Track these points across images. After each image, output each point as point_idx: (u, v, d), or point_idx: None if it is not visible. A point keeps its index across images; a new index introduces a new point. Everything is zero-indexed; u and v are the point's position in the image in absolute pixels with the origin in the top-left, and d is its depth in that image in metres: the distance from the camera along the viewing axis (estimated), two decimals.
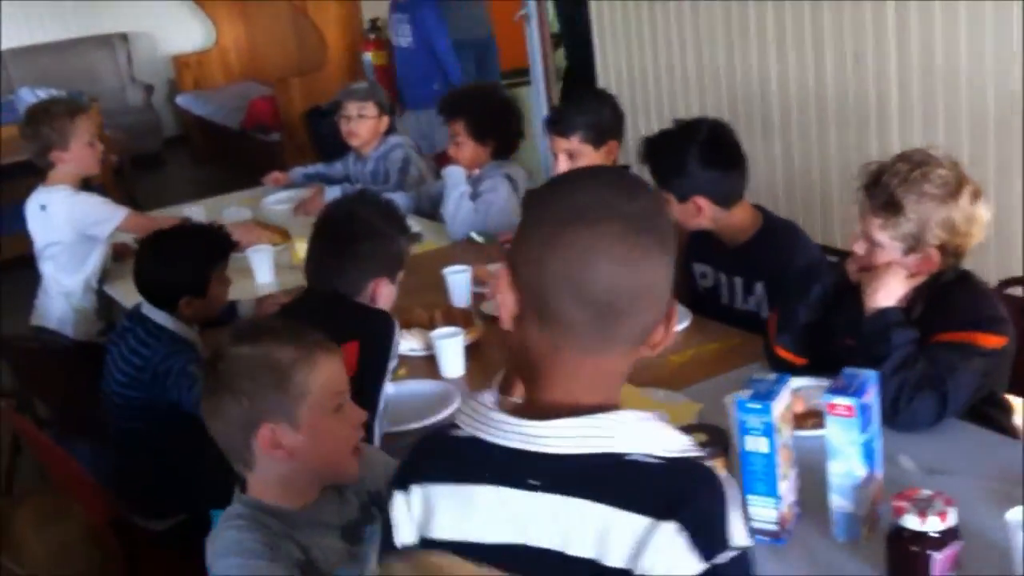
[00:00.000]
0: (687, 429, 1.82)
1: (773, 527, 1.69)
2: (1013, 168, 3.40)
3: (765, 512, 1.68)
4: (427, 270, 3.11)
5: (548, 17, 5.91)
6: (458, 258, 3.27)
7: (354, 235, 2.25)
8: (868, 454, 1.69)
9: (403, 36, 5.56)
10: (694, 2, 4.56)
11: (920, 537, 1.53)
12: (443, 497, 1.18)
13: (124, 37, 8.85)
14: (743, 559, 1.09)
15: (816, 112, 4.12)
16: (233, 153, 8.21)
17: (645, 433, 1.13)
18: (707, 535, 1.07)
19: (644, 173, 3.00)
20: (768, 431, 1.66)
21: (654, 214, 1.15)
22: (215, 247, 2.78)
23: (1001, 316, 2.07)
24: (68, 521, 2.35)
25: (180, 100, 8.91)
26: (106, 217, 3.48)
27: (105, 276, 3.55)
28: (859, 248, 2.12)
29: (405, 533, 1.21)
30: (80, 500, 2.41)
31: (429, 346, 2.58)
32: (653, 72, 4.94)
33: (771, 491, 1.68)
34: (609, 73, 5.26)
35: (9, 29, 8.37)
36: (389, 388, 2.35)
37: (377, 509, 1.71)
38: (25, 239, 3.64)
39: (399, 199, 3.90)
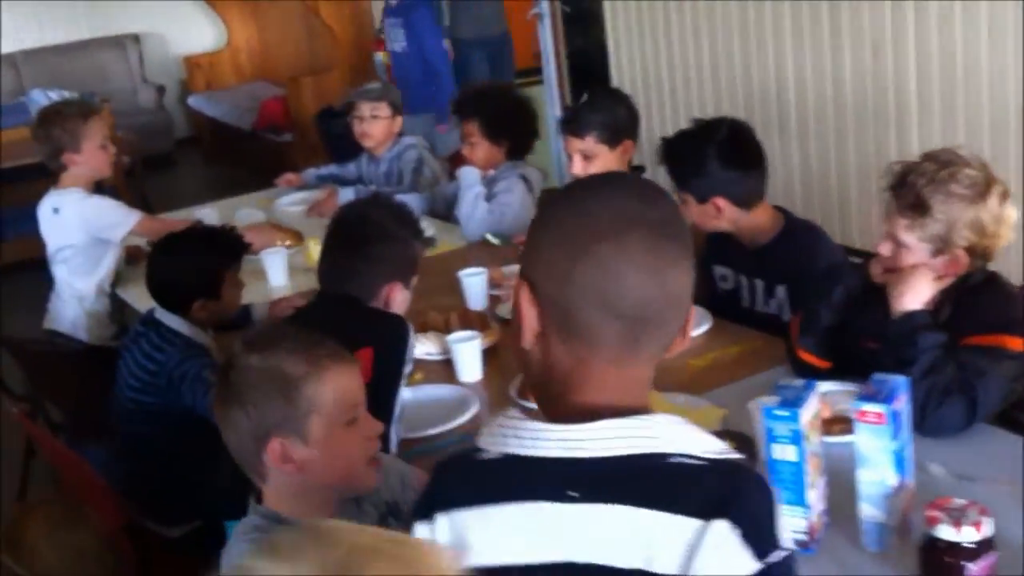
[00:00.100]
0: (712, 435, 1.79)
1: (802, 537, 1.65)
2: None
3: (793, 521, 1.64)
4: (442, 272, 3.08)
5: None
6: (473, 260, 3.24)
7: (367, 239, 2.21)
8: (899, 462, 1.65)
9: (397, 41, 5.50)
10: (708, 0, 4.52)
11: (955, 548, 1.49)
12: (474, 522, 1.14)
13: (136, 38, 8.85)
14: (792, 561, 1.06)
15: (834, 110, 4.08)
16: (245, 154, 8.19)
17: (686, 434, 1.10)
18: (759, 534, 1.04)
19: (660, 174, 2.97)
20: (796, 439, 1.62)
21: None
22: (228, 249, 2.76)
23: None
24: (81, 527, 2.33)
25: (192, 101, 8.90)
26: (119, 220, 3.45)
27: (118, 279, 3.52)
28: (884, 249, 2.08)
29: None
30: (93, 506, 2.39)
31: (445, 350, 2.55)
32: (668, 71, 4.90)
33: (799, 500, 1.64)
34: (623, 72, 5.22)
35: (21, 30, 8.37)
36: (405, 393, 2.32)
37: (394, 520, 1.68)
38: (36, 241, 3.62)
39: (413, 200, 3.88)
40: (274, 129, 7.67)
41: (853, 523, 1.68)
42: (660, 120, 4.93)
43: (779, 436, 1.63)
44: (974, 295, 2.05)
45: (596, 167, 2.93)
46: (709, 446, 1.10)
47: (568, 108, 5.59)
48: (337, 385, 1.56)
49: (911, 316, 1.99)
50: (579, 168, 2.93)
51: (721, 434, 1.80)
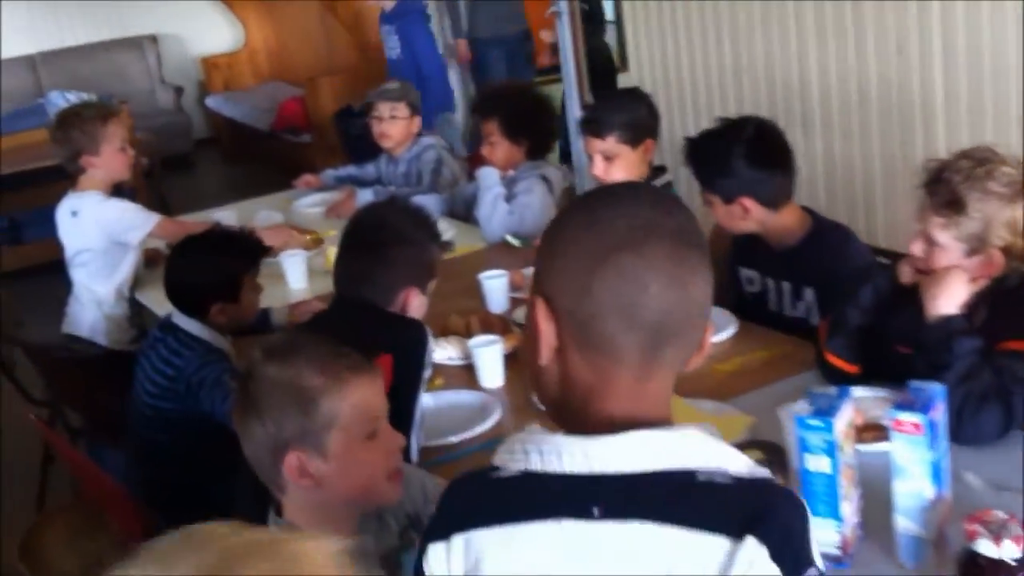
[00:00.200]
0: (741, 445, 1.75)
1: (835, 551, 1.60)
2: None
3: (827, 535, 1.59)
4: (462, 274, 3.04)
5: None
6: (493, 262, 3.20)
7: (383, 243, 2.17)
8: (936, 473, 1.60)
9: (392, 48, 5.45)
10: None
11: (995, 564, 1.43)
12: (493, 542, 1.10)
13: (153, 39, 8.86)
14: None
15: (858, 108, 4.01)
16: (263, 154, 8.19)
17: (713, 449, 1.07)
18: (790, 551, 1.00)
19: (681, 174, 2.92)
20: (830, 450, 1.57)
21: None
22: (247, 251, 2.73)
23: None
24: (101, 535, 2.31)
25: (210, 102, 8.90)
26: (138, 223, 3.43)
27: (137, 283, 3.50)
28: (917, 249, 2.03)
29: None
30: (112, 513, 2.37)
31: (467, 355, 2.51)
32: (688, 69, 4.84)
33: (833, 513, 1.59)
34: (643, 70, 5.17)
35: (39, 32, 8.39)
36: (426, 399, 2.29)
37: (415, 533, 1.64)
38: (55, 244, 3.60)
39: (432, 201, 3.85)
40: (292, 130, 7.65)
41: (888, 536, 1.63)
42: (680, 119, 4.87)
43: (812, 447, 1.58)
44: (1010, 298, 2.00)
45: (617, 167, 2.88)
46: (737, 462, 1.06)
47: (588, 107, 5.56)
48: (357, 398, 1.52)
49: (947, 321, 1.94)
50: (600, 169, 2.89)
51: (750, 443, 1.78)
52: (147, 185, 6.77)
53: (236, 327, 2.73)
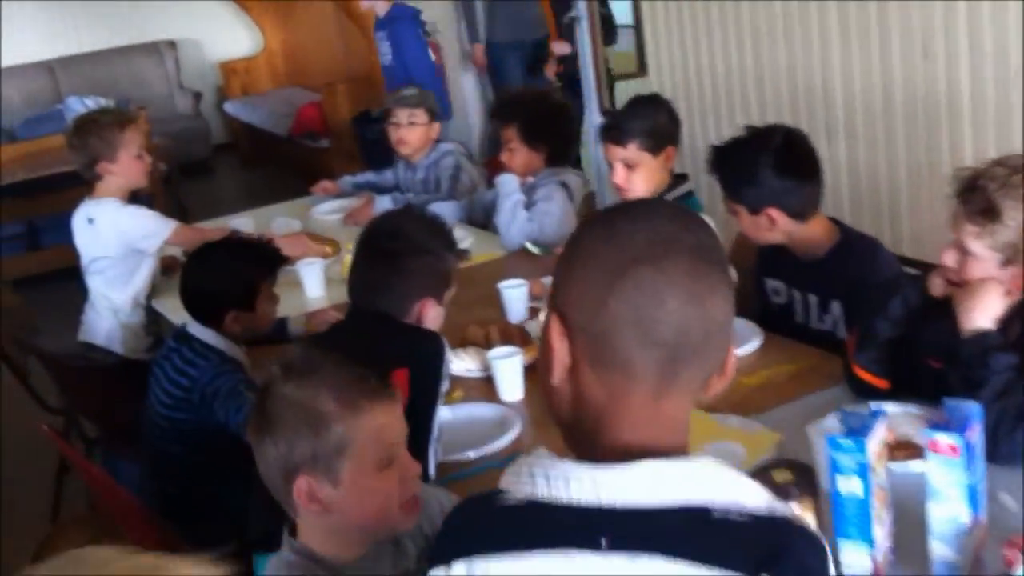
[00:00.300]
0: (769, 465, 1.70)
1: None
2: None
3: (858, 559, 1.54)
4: (481, 282, 3.00)
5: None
6: (513, 270, 3.16)
7: (398, 252, 2.13)
8: (973, 497, 1.55)
9: (384, 54, 5.40)
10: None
11: None
12: (495, 571, 1.05)
13: (172, 44, 8.86)
14: None
15: (883, 113, 3.95)
16: (282, 160, 8.17)
17: (729, 483, 1.02)
18: None
19: (703, 181, 2.85)
20: (863, 471, 1.52)
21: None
22: (264, 259, 2.69)
23: None
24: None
25: (228, 107, 8.90)
26: (155, 231, 3.40)
27: (154, 291, 3.47)
28: (949, 259, 1.97)
29: None
30: (127, 526, 2.34)
31: (486, 366, 2.46)
32: (709, 73, 4.79)
33: (865, 536, 1.54)
34: (662, 75, 5.11)
35: (57, 37, 8.41)
36: (444, 412, 2.24)
37: None
38: (72, 250, 3.57)
39: (450, 208, 3.81)
40: (311, 135, 7.63)
41: (921, 561, 1.58)
42: (701, 125, 4.81)
43: (844, 468, 1.53)
44: None
45: (639, 176, 2.84)
46: (755, 496, 1.02)
47: (608, 113, 5.51)
48: (371, 427, 1.47)
49: (982, 336, 1.88)
50: (621, 177, 2.84)
51: (777, 463, 1.72)
52: (165, 191, 6.76)
53: (251, 336, 2.70)
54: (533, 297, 2.88)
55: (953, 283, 1.98)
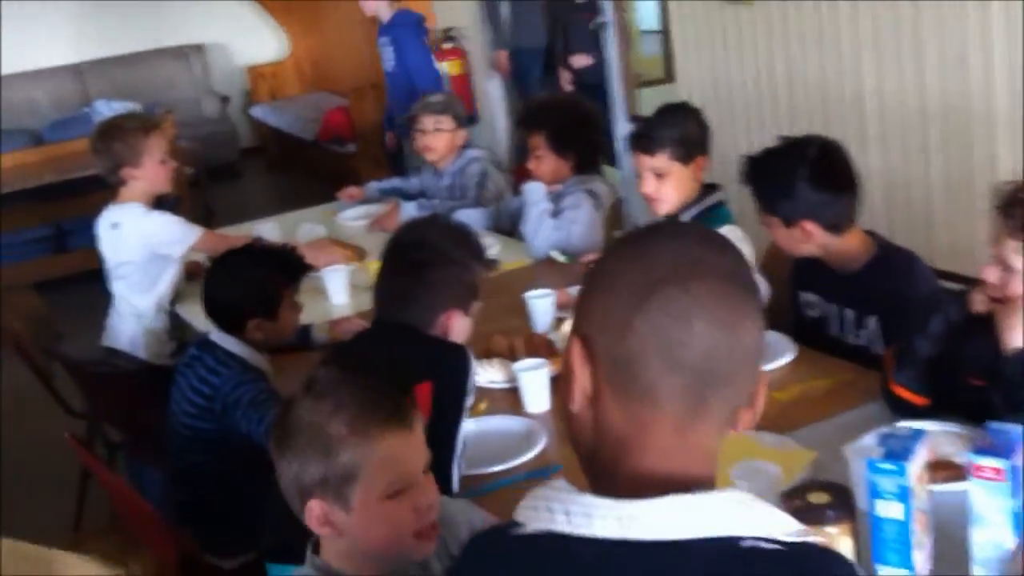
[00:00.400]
0: (804, 487, 1.64)
1: None
2: None
3: None
4: (507, 291, 2.96)
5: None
6: (539, 279, 3.12)
7: (424, 263, 2.08)
8: (1017, 522, 1.49)
9: (387, 60, 5.32)
10: (781, 2, 4.33)
11: None
12: None
13: (200, 48, 8.89)
14: None
15: (917, 122, 3.88)
16: (309, 164, 8.17)
17: (760, 513, 0.97)
18: None
19: (734, 191, 2.79)
20: (904, 496, 1.46)
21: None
22: (287, 267, 2.67)
23: None
24: (136, 559, 2.25)
25: (255, 111, 8.91)
26: (179, 237, 3.38)
27: (178, 296, 3.45)
28: (991, 275, 1.91)
29: None
30: (147, 537, 2.31)
31: (511, 378, 2.42)
32: (739, 79, 4.73)
33: (905, 562, 1.49)
34: (691, 82, 5.06)
35: (86, 40, 8.45)
36: (469, 425, 2.20)
37: None
38: (96, 253, 3.56)
39: (476, 215, 3.78)
40: (338, 140, 7.63)
41: None
42: (731, 133, 4.75)
43: (884, 492, 1.48)
44: None
45: (669, 185, 2.79)
46: (785, 527, 0.97)
47: (636, 119, 5.46)
48: (383, 455, 1.44)
49: None
50: (651, 187, 2.79)
51: (814, 485, 1.67)
52: (192, 195, 6.77)
53: (275, 345, 2.67)
54: (560, 307, 2.84)
55: (995, 300, 1.93)
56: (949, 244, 3.79)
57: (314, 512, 1.44)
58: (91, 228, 3.53)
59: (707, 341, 0.98)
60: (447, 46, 7.10)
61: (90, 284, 4.49)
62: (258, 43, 9.24)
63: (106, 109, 6.61)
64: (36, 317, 3.59)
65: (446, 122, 3.94)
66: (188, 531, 2.47)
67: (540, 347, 2.54)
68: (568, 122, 3.52)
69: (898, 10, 3.82)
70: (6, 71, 8.11)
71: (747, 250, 2.78)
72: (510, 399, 2.41)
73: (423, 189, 4.15)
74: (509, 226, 3.75)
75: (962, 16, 3.60)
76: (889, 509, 1.48)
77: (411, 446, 1.47)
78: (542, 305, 2.80)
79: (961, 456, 1.83)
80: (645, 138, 2.81)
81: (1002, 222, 1.89)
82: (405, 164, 5.07)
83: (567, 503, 0.99)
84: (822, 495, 1.58)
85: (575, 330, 1.05)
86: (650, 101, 5.93)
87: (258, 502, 2.27)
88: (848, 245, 2.36)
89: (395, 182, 4.31)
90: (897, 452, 1.49)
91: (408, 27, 5.23)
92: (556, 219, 3.40)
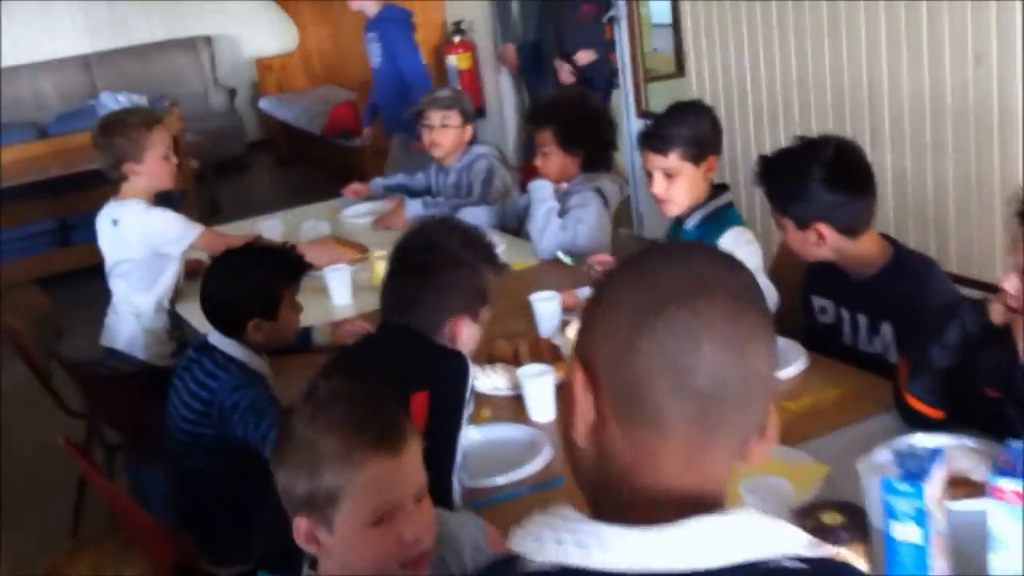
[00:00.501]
0: (817, 506, 1.58)
1: None
2: None
3: None
4: (512, 293, 2.89)
5: None
6: (545, 280, 3.06)
7: (432, 266, 2.02)
8: None
9: (374, 56, 5.23)
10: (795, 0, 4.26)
11: None
12: None
13: (208, 40, 8.83)
14: None
15: (931, 120, 3.81)
16: (316, 158, 8.12)
17: (776, 531, 0.93)
18: None
19: (743, 192, 2.75)
20: (920, 518, 1.40)
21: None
22: (286, 266, 2.61)
23: None
24: (133, 566, 2.21)
25: (263, 104, 8.86)
26: (180, 234, 3.33)
27: (177, 295, 3.40)
28: (1010, 284, 1.84)
29: None
30: (144, 543, 2.26)
31: (515, 384, 2.36)
32: (750, 75, 4.65)
33: None
34: (703, 80, 4.98)
35: (95, 32, 8.40)
36: (472, 434, 2.15)
37: None
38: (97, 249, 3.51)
39: (482, 213, 3.72)
40: (344, 134, 7.57)
41: None
42: (742, 131, 4.68)
43: (900, 514, 1.42)
44: None
45: (679, 186, 2.72)
46: (799, 541, 0.94)
47: (645, 114, 5.39)
48: (368, 480, 1.38)
49: None
50: (661, 187, 2.73)
51: (827, 504, 1.61)
52: (198, 188, 6.72)
53: (274, 346, 2.62)
54: (565, 310, 2.78)
55: (1013, 309, 1.86)
56: (962, 247, 3.72)
57: (301, 528, 1.41)
58: (90, 224, 3.47)
59: (716, 364, 0.93)
60: (456, 39, 7.04)
61: (94, 278, 4.44)
62: (267, 35, 9.18)
63: (112, 102, 6.57)
64: (38, 314, 3.54)
65: (453, 118, 3.88)
66: (188, 538, 2.42)
67: (545, 352, 2.49)
68: (577, 118, 3.46)
69: (915, 6, 3.75)
70: (14, 62, 8.09)
71: (756, 253, 2.72)
72: (514, 406, 2.35)
73: (429, 186, 4.09)
74: (515, 225, 3.70)
75: (981, 12, 3.53)
76: (906, 532, 1.42)
77: (400, 472, 1.42)
78: (548, 308, 2.74)
79: (978, 472, 1.77)
80: (656, 137, 2.74)
81: (1020, 229, 1.82)
82: (395, 162, 4.98)
83: (577, 532, 0.93)
84: (835, 515, 1.53)
85: (577, 355, 1.00)
86: (660, 96, 5.87)
87: (255, 509, 2.22)
88: (862, 249, 2.29)
89: (400, 178, 4.26)
90: (914, 472, 1.43)
91: (396, 23, 5.14)
92: (563, 218, 3.34)
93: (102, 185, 3.41)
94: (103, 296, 3.48)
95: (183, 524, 2.51)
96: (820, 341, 2.40)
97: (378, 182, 4.30)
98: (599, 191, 3.38)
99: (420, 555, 1.43)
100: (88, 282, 4.97)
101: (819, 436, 2.03)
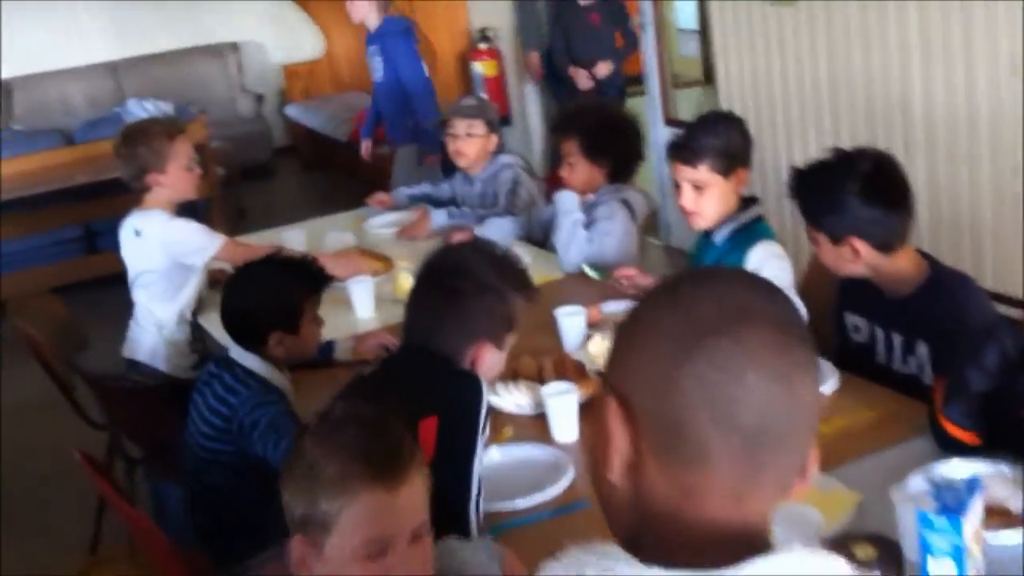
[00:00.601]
0: (849, 538, 1.53)
1: None
2: None
3: None
4: (537, 307, 2.82)
5: None
6: (570, 294, 3.01)
7: (458, 290, 1.95)
8: None
9: (376, 70, 5.17)
10: (825, 1, 4.18)
11: None
12: None
13: (235, 46, 8.85)
14: None
15: (966, 130, 3.73)
16: (341, 165, 8.10)
17: (829, 568, 0.92)
18: None
19: (772, 202, 2.68)
20: (957, 554, 1.35)
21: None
22: (307, 278, 2.57)
23: None
24: None
25: (289, 110, 8.86)
26: (202, 245, 3.30)
27: (200, 306, 3.38)
28: None
29: None
30: (157, 565, 2.23)
31: (538, 403, 2.31)
32: (780, 82, 4.59)
33: None
34: (730, 82, 4.92)
35: (123, 39, 8.44)
36: (493, 454, 2.11)
37: None
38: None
39: (507, 224, 3.68)
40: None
41: None
42: (771, 140, 4.61)
43: (936, 549, 1.36)
44: None
45: (708, 198, 2.67)
46: (845, 572, 0.92)
47: (672, 121, 5.33)
48: (361, 512, 1.35)
49: None
50: (689, 200, 2.67)
51: (860, 537, 1.55)
52: (224, 195, 6.71)
53: (296, 361, 2.58)
54: (590, 324, 2.73)
55: None
56: (998, 262, 3.63)
57: (294, 551, 1.39)
58: (116, 231, 3.45)
59: (762, 397, 0.89)
60: (482, 47, 7.01)
61: (120, 287, 4.45)
62: (294, 42, 9.19)
63: (138, 109, 6.58)
64: (58, 323, 3.52)
65: (478, 127, 3.84)
66: (204, 556, 2.39)
67: (569, 370, 2.43)
68: (604, 128, 3.40)
69: (948, 10, 3.67)
70: (41, 69, 8.13)
71: (786, 268, 2.66)
72: (537, 425, 2.30)
73: (454, 196, 4.05)
74: (541, 236, 3.65)
75: (1015, 20, 3.45)
76: (941, 567, 1.36)
77: (397, 507, 1.38)
78: (573, 323, 2.69)
79: (1014, 501, 1.71)
80: (685, 148, 2.68)
81: None
82: (400, 175, 4.93)
83: (628, 573, 0.89)
84: (868, 548, 1.47)
85: (609, 388, 0.94)
86: (687, 103, 5.81)
87: (275, 529, 2.19)
88: (898, 266, 2.22)
89: (425, 188, 4.22)
90: (952, 506, 1.37)
91: (397, 35, 5.07)
92: (589, 230, 3.29)
93: (128, 193, 3.39)
94: (129, 305, 3.47)
95: (200, 541, 2.48)
96: (853, 360, 2.34)
97: (403, 192, 4.26)
98: (626, 203, 3.33)
99: None
100: (114, 290, 4.96)
101: (851, 461, 1.97)
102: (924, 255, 2.28)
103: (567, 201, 3.32)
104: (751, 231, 2.70)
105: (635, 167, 3.45)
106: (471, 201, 3.95)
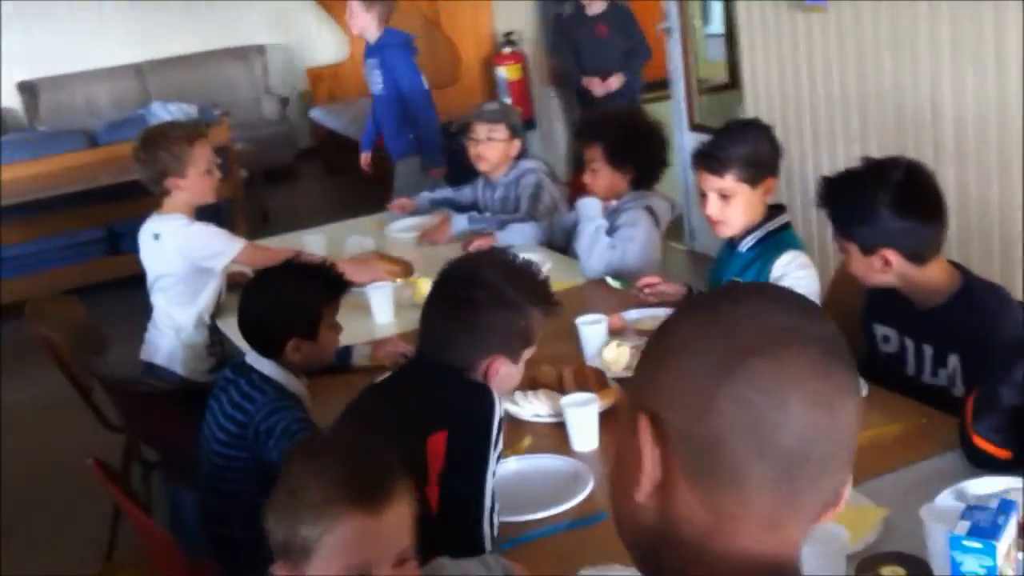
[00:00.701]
0: (878, 559, 1.48)
1: None
2: None
3: None
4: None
5: None
6: (591, 302, 2.97)
7: (473, 303, 1.89)
8: None
9: (376, 83, 5.11)
10: (854, 2, 4.12)
11: None
12: None
13: (260, 49, 8.87)
14: None
15: (997, 140, 3.66)
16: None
17: None
18: None
19: (799, 210, 2.63)
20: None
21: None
22: (325, 284, 2.54)
23: None
24: None
25: (314, 113, 8.87)
26: (221, 249, 3.28)
27: (219, 310, 3.36)
28: None
29: None
30: (159, 568, 2.21)
31: (558, 412, 2.27)
32: (808, 89, 4.53)
33: None
34: (757, 87, 4.86)
35: (148, 41, 8.47)
36: (511, 464, 2.07)
37: None
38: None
39: (529, 229, 3.65)
40: None
41: None
42: (799, 148, 4.55)
43: (968, 573, 1.31)
44: None
45: (734, 208, 2.62)
46: None
47: (697, 127, 5.28)
48: (342, 538, 1.32)
49: None
50: (715, 209, 2.62)
51: (888, 556, 1.50)
52: (247, 197, 6.72)
53: (313, 367, 2.55)
54: (611, 332, 2.69)
55: None
56: None
57: (280, 570, 1.37)
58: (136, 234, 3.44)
59: (805, 422, 0.85)
60: (506, 51, 6.99)
61: (141, 288, 4.45)
62: (319, 44, 9.20)
63: (162, 111, 6.58)
64: (77, 325, 3.51)
65: (500, 131, 3.81)
66: (218, 566, 2.36)
67: (589, 379, 2.39)
68: (628, 134, 3.35)
69: (980, 14, 3.60)
70: (67, 70, 8.17)
71: (812, 277, 2.61)
72: (556, 434, 2.26)
73: (475, 200, 4.02)
74: (563, 242, 3.61)
75: None
76: None
77: (379, 532, 1.35)
78: (594, 332, 2.65)
79: None
80: (712, 157, 2.63)
81: None
82: (400, 188, 4.88)
83: None
84: (897, 569, 1.42)
85: (639, 405, 0.91)
86: (712, 109, 5.75)
87: None
88: (930, 277, 2.17)
89: (447, 192, 4.20)
90: (985, 529, 1.32)
91: (397, 48, 5.03)
92: (612, 237, 3.24)
93: (150, 194, 3.37)
94: (150, 307, 3.45)
95: (215, 547, 2.46)
96: (880, 371, 2.28)
97: (424, 196, 4.24)
98: (649, 209, 3.29)
99: None
100: (136, 292, 4.96)
101: (877, 475, 1.92)
102: (956, 265, 2.22)
103: (590, 207, 3.28)
104: (778, 239, 2.65)
105: (659, 174, 3.41)
106: (493, 206, 3.92)
